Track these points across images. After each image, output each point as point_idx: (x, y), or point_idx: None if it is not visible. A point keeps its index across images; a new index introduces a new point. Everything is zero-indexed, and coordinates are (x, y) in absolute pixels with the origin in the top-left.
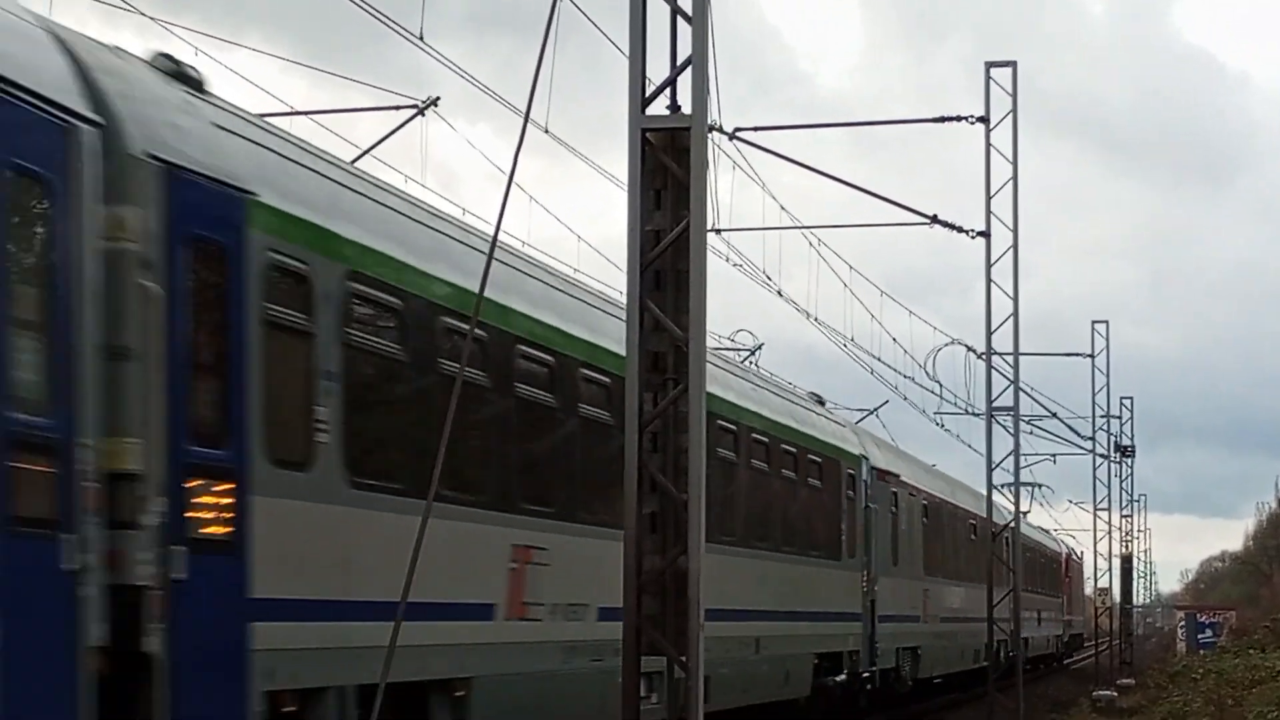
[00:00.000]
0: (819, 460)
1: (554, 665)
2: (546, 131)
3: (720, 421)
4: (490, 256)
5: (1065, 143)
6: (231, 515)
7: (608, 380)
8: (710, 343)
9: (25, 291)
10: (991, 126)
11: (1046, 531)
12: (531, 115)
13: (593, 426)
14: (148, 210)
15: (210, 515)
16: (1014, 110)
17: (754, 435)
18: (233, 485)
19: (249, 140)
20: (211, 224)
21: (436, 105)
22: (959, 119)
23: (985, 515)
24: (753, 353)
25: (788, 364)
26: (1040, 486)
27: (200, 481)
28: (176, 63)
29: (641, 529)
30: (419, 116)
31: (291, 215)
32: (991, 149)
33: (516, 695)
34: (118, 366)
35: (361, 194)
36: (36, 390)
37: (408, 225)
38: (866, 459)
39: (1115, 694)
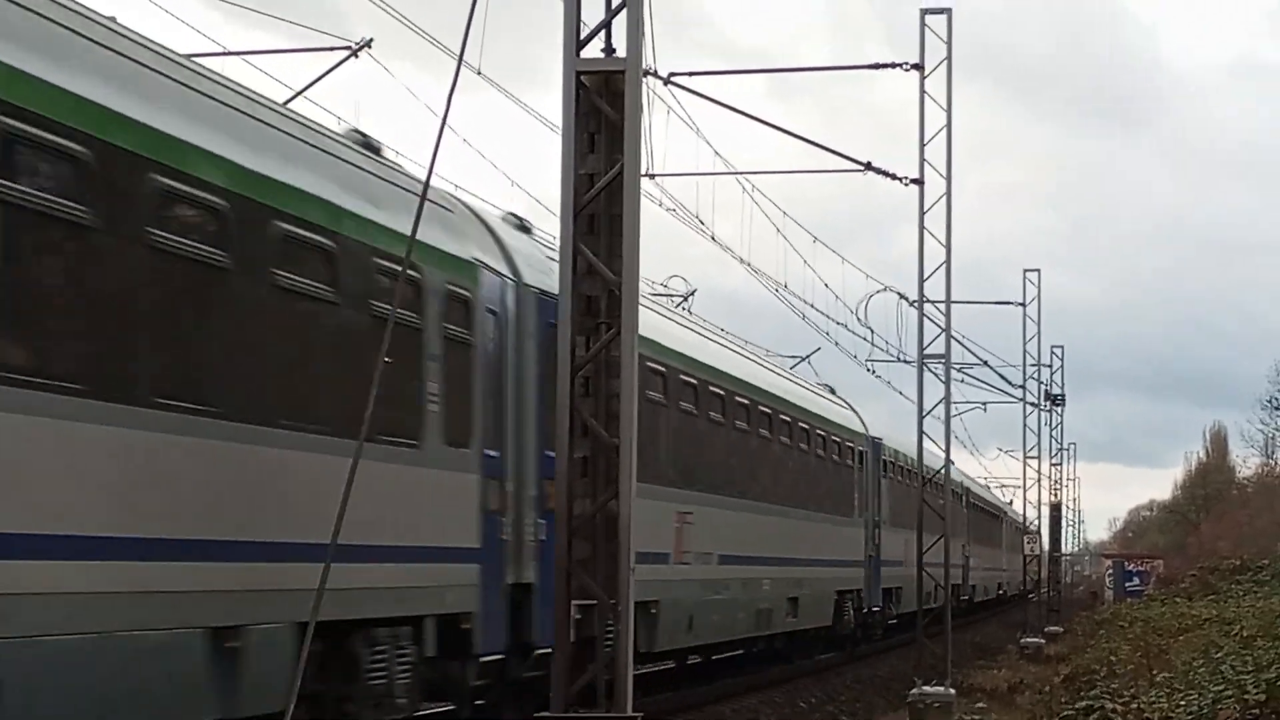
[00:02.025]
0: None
1: None
2: (479, 74)
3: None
4: (423, 200)
5: (980, 87)
6: None
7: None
8: (643, 288)
9: None
10: (925, 74)
11: (988, 488)
12: (465, 57)
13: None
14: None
15: None
16: (949, 58)
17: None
18: None
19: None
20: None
21: (370, 47)
22: (894, 66)
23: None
24: (685, 298)
25: (719, 310)
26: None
27: None
28: (519, 218)
29: (573, 473)
30: (352, 58)
31: None
32: (925, 96)
33: None
34: None
35: None
36: None
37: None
38: (880, 440)
39: (1043, 641)
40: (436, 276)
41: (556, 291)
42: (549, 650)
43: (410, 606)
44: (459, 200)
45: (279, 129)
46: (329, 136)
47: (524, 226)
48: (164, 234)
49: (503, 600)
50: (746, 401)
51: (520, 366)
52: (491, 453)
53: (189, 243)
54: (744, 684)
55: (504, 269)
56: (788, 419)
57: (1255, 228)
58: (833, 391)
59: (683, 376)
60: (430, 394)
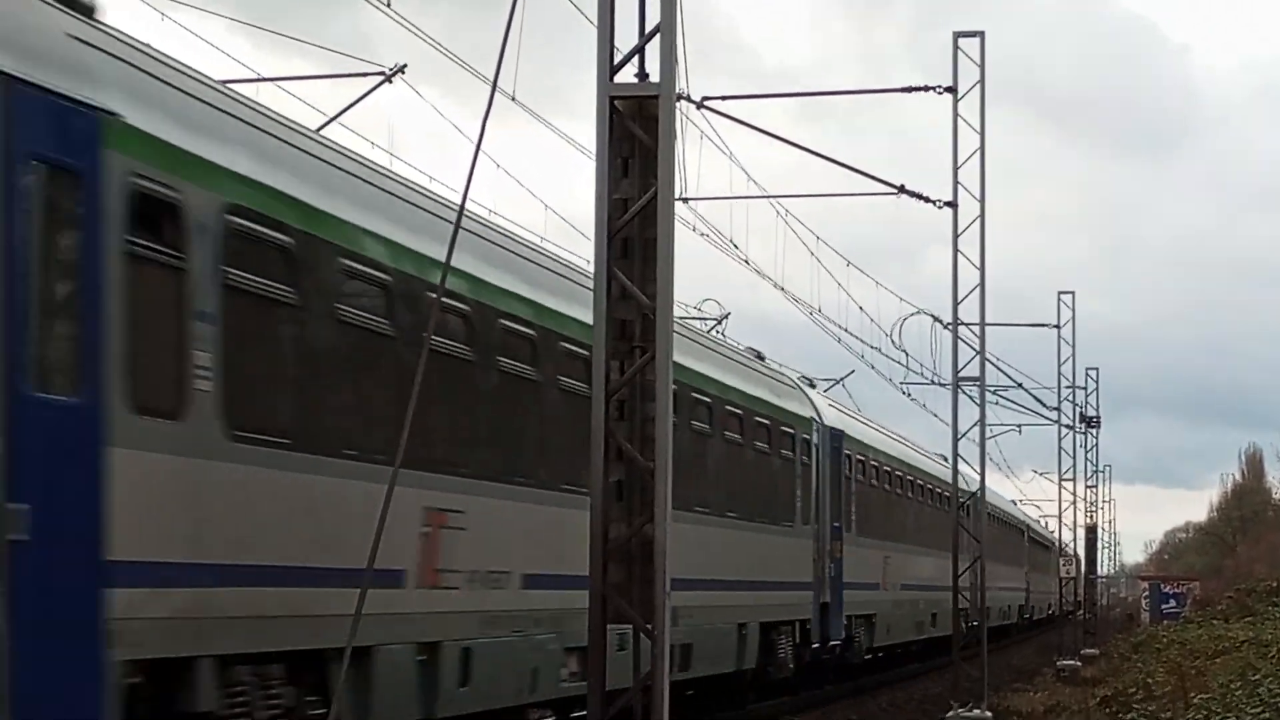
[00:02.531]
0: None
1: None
2: (514, 99)
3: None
4: (457, 225)
5: (1011, 113)
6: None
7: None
8: (677, 312)
9: None
10: (959, 97)
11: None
12: (499, 83)
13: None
14: None
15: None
16: (982, 81)
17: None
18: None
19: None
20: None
21: (404, 73)
22: (927, 89)
23: (951, 484)
24: (719, 321)
25: (754, 333)
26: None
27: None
28: (758, 352)
29: (608, 497)
30: (385, 84)
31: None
32: (959, 119)
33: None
34: None
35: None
36: None
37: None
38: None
39: (1079, 663)
40: (800, 428)
41: (840, 428)
42: (839, 642)
43: (790, 614)
44: (788, 374)
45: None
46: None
47: (810, 382)
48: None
49: (819, 611)
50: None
51: (821, 473)
52: (808, 525)
53: None
54: (779, 707)
55: (814, 415)
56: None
57: None
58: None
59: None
60: (798, 496)
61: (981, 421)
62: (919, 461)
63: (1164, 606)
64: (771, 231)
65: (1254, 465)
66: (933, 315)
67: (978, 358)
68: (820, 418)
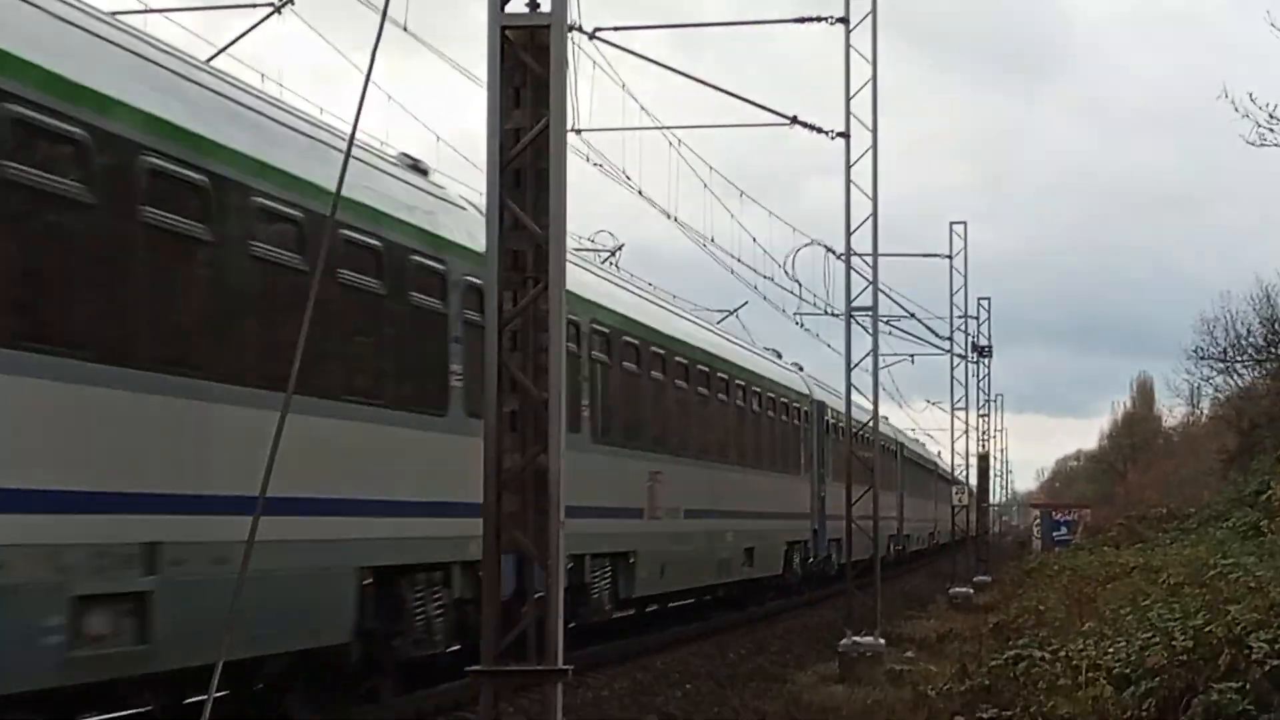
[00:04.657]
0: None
1: None
2: (405, 29)
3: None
4: (347, 155)
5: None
6: None
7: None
8: (571, 243)
9: None
10: (851, 27)
11: (921, 443)
12: (389, 12)
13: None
14: None
15: None
16: (874, 11)
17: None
18: None
19: None
20: None
21: (293, 4)
22: (819, 19)
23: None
24: (613, 253)
25: (647, 266)
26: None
27: None
28: (778, 352)
29: (501, 427)
30: (275, 15)
31: None
32: (851, 50)
33: None
34: None
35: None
36: None
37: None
38: (824, 403)
39: (972, 591)
40: (811, 407)
41: (827, 403)
42: (825, 556)
43: (795, 535)
44: (795, 366)
45: None
46: None
47: (799, 366)
48: None
49: (813, 535)
50: (706, 369)
51: (817, 436)
52: (807, 472)
53: None
54: (674, 636)
55: (809, 392)
56: (741, 383)
57: (1166, 180)
58: (780, 356)
59: (653, 348)
60: (805, 453)
61: (875, 351)
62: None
63: (1055, 534)
64: (664, 162)
65: (1144, 394)
66: (826, 246)
67: (870, 288)
68: (812, 394)
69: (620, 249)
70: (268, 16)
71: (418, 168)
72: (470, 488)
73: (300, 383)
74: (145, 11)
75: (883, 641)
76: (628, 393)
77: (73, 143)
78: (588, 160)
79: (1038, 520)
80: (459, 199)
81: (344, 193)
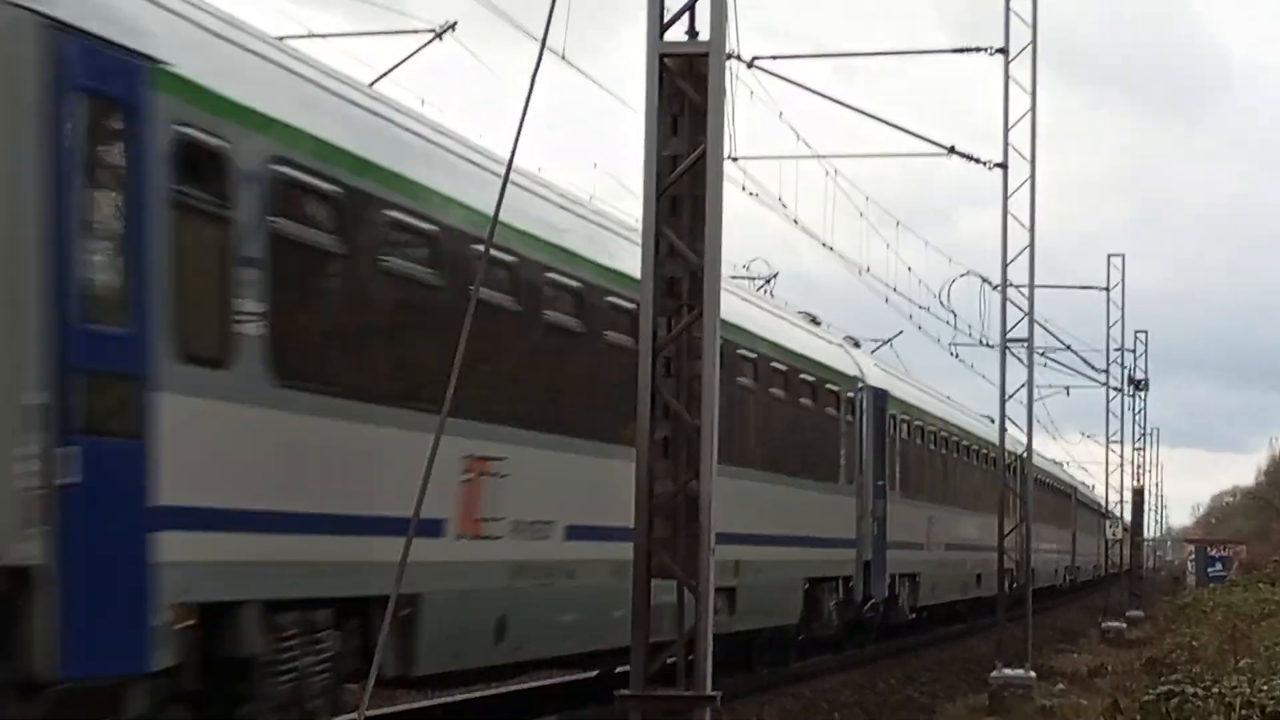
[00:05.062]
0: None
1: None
2: (564, 59)
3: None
4: (505, 180)
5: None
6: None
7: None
8: (725, 272)
9: None
10: (1010, 58)
11: (1060, 465)
12: (548, 43)
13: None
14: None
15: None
16: (1034, 41)
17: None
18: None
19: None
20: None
21: (454, 30)
22: (979, 50)
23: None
24: (768, 281)
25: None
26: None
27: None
28: (813, 317)
29: (654, 453)
30: (435, 41)
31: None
32: (1010, 80)
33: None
34: None
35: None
36: None
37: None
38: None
39: (1124, 625)
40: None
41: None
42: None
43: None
44: (849, 340)
45: None
46: None
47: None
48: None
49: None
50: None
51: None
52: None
53: None
54: (824, 664)
55: (860, 374)
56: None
57: None
58: (815, 322)
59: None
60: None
61: (1030, 383)
62: (964, 422)
63: (1210, 569)
64: (820, 191)
65: None
66: (981, 277)
67: (1026, 319)
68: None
69: (775, 277)
70: (429, 42)
71: None
72: None
73: None
74: (308, 37)
75: (1033, 675)
76: None
77: (331, 200)
78: (743, 188)
79: (1192, 556)
80: None
81: None
